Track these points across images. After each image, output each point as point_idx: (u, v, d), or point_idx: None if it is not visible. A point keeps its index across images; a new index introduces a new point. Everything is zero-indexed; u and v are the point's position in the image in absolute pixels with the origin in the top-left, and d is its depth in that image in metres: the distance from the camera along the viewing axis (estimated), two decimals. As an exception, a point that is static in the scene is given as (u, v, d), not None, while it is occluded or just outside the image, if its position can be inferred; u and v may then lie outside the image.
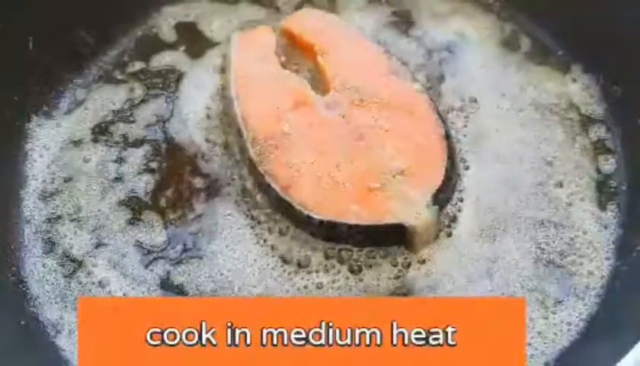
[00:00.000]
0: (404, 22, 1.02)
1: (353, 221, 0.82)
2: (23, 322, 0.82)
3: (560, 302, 0.81)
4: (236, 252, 0.85)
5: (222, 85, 0.96)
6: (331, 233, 0.83)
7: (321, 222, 0.82)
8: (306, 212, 0.83)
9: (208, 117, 0.95)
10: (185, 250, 0.86)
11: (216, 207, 0.88)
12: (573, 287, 0.82)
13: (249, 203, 0.88)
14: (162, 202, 0.89)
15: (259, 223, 0.86)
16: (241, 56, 0.95)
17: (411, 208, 0.81)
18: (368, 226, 0.82)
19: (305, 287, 0.83)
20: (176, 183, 0.91)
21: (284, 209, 0.85)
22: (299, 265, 0.84)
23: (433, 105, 0.88)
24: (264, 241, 0.85)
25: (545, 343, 0.78)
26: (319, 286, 0.82)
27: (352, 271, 0.83)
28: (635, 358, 0.65)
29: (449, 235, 0.85)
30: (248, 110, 0.90)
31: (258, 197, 0.88)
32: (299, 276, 0.83)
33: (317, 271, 0.83)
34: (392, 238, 0.83)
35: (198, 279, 0.84)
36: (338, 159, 0.85)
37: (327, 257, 0.84)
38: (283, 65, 0.95)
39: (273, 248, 0.85)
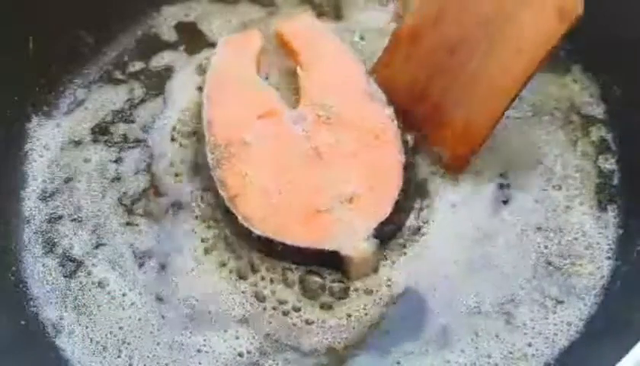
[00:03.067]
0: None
1: (290, 241, 0.80)
2: (23, 322, 0.82)
3: (560, 302, 0.81)
4: (201, 278, 0.83)
5: (201, 86, 0.95)
6: (269, 249, 0.82)
7: (259, 237, 0.81)
8: (247, 224, 0.81)
9: (185, 119, 0.95)
10: (164, 264, 0.85)
11: (180, 221, 0.87)
12: (573, 287, 0.82)
13: (209, 219, 0.87)
14: (149, 206, 0.89)
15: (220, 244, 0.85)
16: (222, 59, 0.94)
17: (352, 237, 0.80)
18: (305, 248, 0.80)
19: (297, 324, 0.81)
20: (155, 188, 0.90)
21: (229, 219, 0.84)
22: (269, 300, 0.82)
23: (399, 134, 0.86)
24: (224, 265, 0.84)
25: (545, 343, 0.78)
26: (309, 322, 0.81)
27: (323, 307, 0.81)
28: (635, 358, 0.65)
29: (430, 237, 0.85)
30: (214, 114, 0.88)
31: (206, 206, 0.87)
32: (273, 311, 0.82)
33: (295, 308, 0.81)
34: (329, 263, 0.81)
35: (177, 296, 0.83)
36: (292, 176, 0.83)
37: (303, 290, 0.82)
38: (264, 69, 0.94)
39: (239, 276, 0.83)
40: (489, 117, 0.83)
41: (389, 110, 0.88)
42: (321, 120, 0.87)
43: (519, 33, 0.79)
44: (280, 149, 0.85)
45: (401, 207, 0.84)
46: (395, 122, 0.87)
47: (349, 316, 0.80)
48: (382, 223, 0.81)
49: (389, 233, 0.83)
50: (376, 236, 0.81)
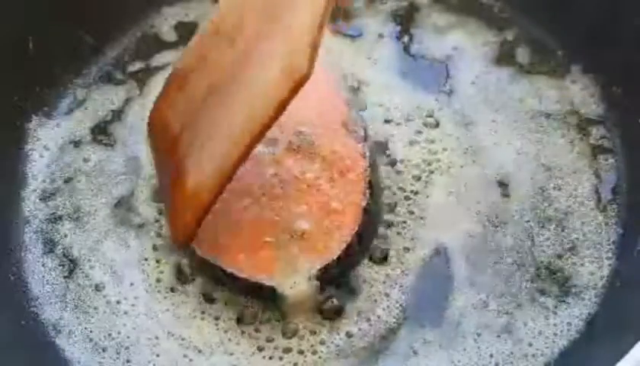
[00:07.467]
0: (403, 33, 1.01)
1: (229, 269, 0.78)
2: (23, 322, 0.82)
3: (560, 302, 0.81)
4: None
5: None
6: (209, 272, 0.81)
7: (202, 259, 0.80)
8: (192, 245, 0.80)
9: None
10: (158, 278, 0.85)
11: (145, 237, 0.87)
12: (573, 287, 0.82)
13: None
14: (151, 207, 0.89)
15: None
16: None
17: (291, 276, 0.78)
18: (242, 278, 0.79)
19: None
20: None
21: None
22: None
23: (367, 172, 0.83)
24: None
25: (545, 343, 0.79)
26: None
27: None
28: (635, 358, 0.65)
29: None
30: None
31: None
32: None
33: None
34: (265, 297, 0.79)
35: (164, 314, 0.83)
36: (249, 201, 0.81)
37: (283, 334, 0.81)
38: None
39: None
40: (212, 184, 0.75)
41: (363, 147, 0.84)
42: (291, 147, 0.84)
43: (253, 89, 0.72)
44: (244, 171, 0.81)
45: (354, 251, 0.81)
46: (367, 160, 0.84)
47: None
48: (327, 266, 0.79)
49: (333, 278, 0.81)
50: (318, 278, 0.78)
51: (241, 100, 0.73)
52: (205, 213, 0.76)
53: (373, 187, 0.83)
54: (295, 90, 0.69)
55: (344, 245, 0.79)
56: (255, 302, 0.81)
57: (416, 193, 0.88)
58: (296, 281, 0.78)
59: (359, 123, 0.87)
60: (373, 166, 0.85)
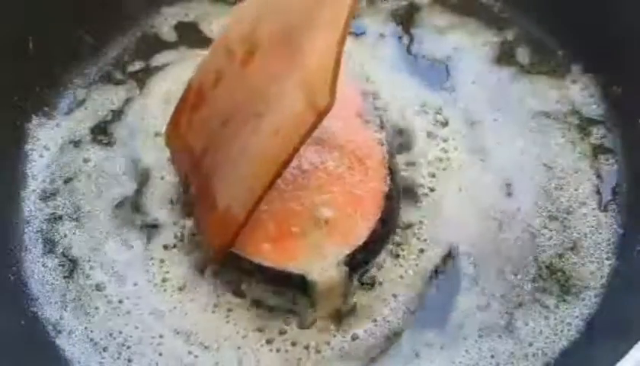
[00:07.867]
0: (403, 33, 1.01)
1: (257, 260, 0.78)
2: (23, 322, 0.82)
3: (560, 302, 0.81)
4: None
5: None
6: (236, 265, 0.81)
7: (230, 252, 0.79)
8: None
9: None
10: (164, 278, 0.85)
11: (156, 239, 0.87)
12: (573, 287, 0.82)
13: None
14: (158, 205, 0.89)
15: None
16: None
17: (320, 262, 0.78)
18: (270, 268, 0.79)
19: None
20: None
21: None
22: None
23: (386, 159, 0.84)
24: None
25: (545, 343, 0.79)
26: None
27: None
28: (635, 358, 0.65)
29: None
30: None
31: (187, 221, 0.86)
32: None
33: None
34: (295, 286, 0.79)
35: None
36: (272, 193, 0.79)
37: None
38: None
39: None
40: (245, 203, 0.75)
41: (380, 135, 0.85)
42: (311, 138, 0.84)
43: (278, 115, 0.73)
44: None
45: (380, 235, 0.81)
46: (385, 147, 0.84)
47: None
48: (355, 251, 0.79)
49: (361, 263, 0.81)
50: (346, 264, 0.78)
51: (267, 126, 0.74)
52: (240, 230, 0.77)
53: (393, 173, 0.84)
54: (320, 118, 0.71)
55: (369, 231, 0.80)
56: (272, 297, 0.81)
57: (431, 190, 0.88)
58: (323, 267, 0.78)
59: (373, 113, 0.87)
60: (391, 153, 0.86)
